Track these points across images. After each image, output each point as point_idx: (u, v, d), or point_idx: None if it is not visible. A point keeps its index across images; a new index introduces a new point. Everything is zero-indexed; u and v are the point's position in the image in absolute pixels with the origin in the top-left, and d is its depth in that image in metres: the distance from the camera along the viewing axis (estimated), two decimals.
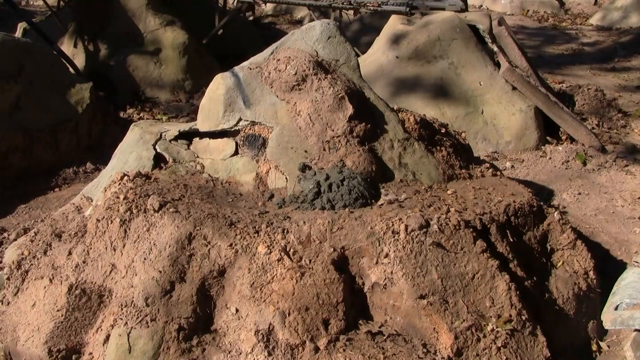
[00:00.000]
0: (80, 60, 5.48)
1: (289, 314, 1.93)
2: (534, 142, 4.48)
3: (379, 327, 2.01)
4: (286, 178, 2.38)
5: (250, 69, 2.61)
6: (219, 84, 2.60)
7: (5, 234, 3.18)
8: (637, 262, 2.81)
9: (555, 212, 2.49)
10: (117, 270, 2.13)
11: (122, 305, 2.02)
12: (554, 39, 8.56)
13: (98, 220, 2.21)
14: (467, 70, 4.59)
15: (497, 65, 4.64)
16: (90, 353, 2.06)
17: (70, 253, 2.24)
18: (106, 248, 2.17)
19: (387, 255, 2.04)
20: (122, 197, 2.23)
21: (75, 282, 2.13)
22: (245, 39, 6.75)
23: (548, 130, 4.60)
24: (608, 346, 2.39)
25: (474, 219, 2.19)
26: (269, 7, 9.50)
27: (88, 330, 2.10)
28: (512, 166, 4.23)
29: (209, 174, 2.56)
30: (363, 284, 2.08)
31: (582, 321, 2.38)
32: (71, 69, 4.83)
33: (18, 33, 5.88)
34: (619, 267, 2.87)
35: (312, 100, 2.45)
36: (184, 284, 2.04)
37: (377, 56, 4.86)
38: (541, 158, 4.36)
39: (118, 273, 2.12)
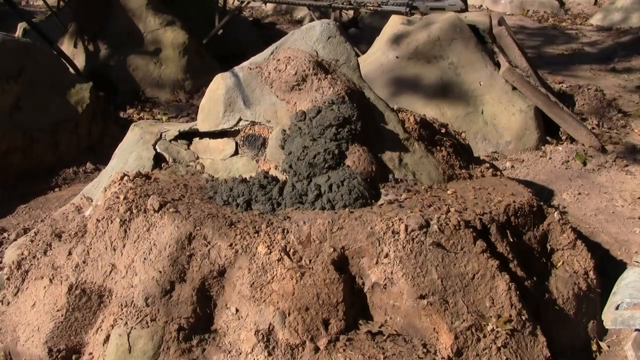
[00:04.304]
0: (80, 60, 5.48)
1: (289, 314, 1.93)
2: (534, 142, 4.48)
3: (379, 327, 2.01)
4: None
5: (250, 69, 2.61)
6: (219, 84, 2.60)
7: (5, 234, 3.18)
8: (637, 262, 2.81)
9: (555, 212, 2.49)
10: (117, 270, 2.13)
11: (122, 305, 2.02)
12: (554, 39, 8.56)
13: (98, 220, 2.21)
14: (467, 70, 4.59)
15: (497, 65, 4.64)
16: (90, 353, 2.06)
17: (70, 253, 2.24)
18: (106, 248, 2.17)
19: (387, 255, 2.04)
20: (122, 197, 2.23)
21: (75, 282, 2.13)
22: (245, 39, 6.76)
23: (548, 130, 4.60)
24: (608, 346, 2.39)
25: (474, 219, 2.19)
26: (269, 7, 9.50)
27: (88, 330, 2.10)
28: (512, 166, 4.23)
29: (209, 174, 2.56)
30: (363, 284, 2.08)
31: (582, 321, 2.38)
32: (71, 69, 4.83)
33: (18, 33, 5.88)
34: (619, 267, 2.87)
35: (312, 100, 2.45)
36: (184, 284, 2.04)
37: (377, 56, 4.86)
38: (541, 158, 4.36)
39: (118, 273, 2.12)
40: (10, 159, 3.84)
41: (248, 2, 6.42)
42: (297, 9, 9.15)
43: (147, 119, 4.90)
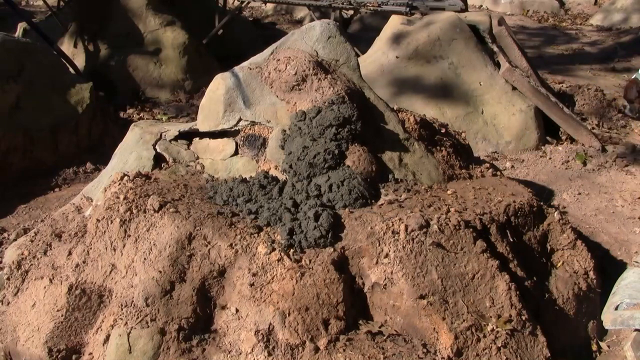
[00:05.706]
0: (80, 60, 5.48)
1: (289, 314, 1.93)
2: (534, 142, 4.48)
3: (379, 327, 2.01)
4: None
5: (250, 69, 2.61)
6: (219, 84, 2.60)
7: (5, 234, 3.18)
8: (637, 262, 2.81)
9: (555, 212, 2.49)
10: (117, 270, 2.13)
11: (122, 305, 2.02)
12: (554, 39, 8.56)
13: (98, 220, 2.21)
14: (467, 70, 4.59)
15: (497, 65, 4.64)
16: (90, 353, 2.06)
17: (70, 253, 2.24)
18: (106, 248, 2.17)
19: (387, 255, 2.04)
20: (122, 197, 2.23)
21: (75, 282, 2.13)
22: (245, 39, 6.76)
23: (548, 130, 4.60)
24: (608, 346, 2.39)
25: (474, 219, 2.19)
26: (269, 7, 9.50)
27: (88, 330, 2.10)
28: (512, 166, 4.23)
29: (209, 174, 2.56)
30: (363, 284, 2.08)
31: (582, 321, 2.38)
32: (71, 69, 4.83)
33: (18, 33, 5.89)
34: (619, 267, 2.87)
35: (312, 100, 2.45)
36: (184, 284, 2.04)
37: (377, 56, 4.86)
38: (541, 158, 4.36)
39: (118, 273, 2.12)
40: (10, 159, 3.84)
41: (248, 2, 6.42)
42: (297, 9, 9.15)
43: (147, 119, 4.90)
